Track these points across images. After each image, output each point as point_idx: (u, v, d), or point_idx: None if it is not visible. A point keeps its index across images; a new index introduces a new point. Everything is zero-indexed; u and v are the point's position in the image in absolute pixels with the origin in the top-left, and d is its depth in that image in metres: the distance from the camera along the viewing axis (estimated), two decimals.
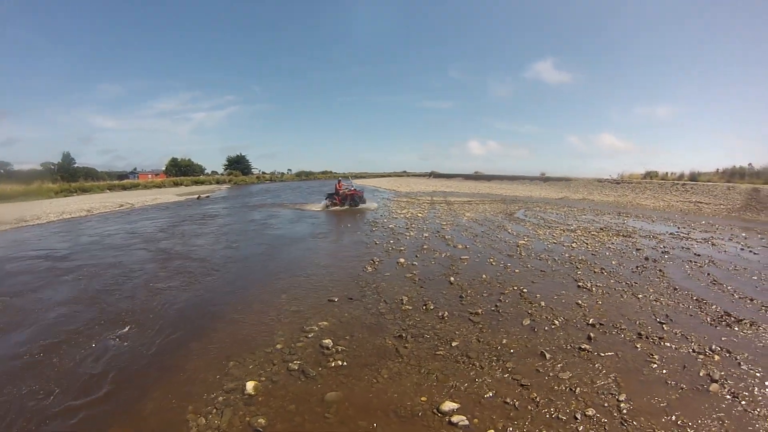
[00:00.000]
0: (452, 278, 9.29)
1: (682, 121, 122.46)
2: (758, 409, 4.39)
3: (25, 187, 36.59)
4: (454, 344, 5.94)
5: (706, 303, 7.79)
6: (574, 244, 13.46)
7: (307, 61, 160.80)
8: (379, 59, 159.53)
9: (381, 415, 4.32)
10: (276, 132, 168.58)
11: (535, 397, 4.59)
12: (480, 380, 4.98)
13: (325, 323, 6.76)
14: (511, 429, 4.05)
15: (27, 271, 10.71)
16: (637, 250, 12.71)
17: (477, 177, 79.00)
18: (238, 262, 11.41)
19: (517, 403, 4.48)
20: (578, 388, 4.78)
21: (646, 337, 6.20)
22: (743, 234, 16.52)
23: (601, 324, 6.70)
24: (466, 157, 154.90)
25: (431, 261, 11.09)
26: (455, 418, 4.18)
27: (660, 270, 10.20)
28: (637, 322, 6.82)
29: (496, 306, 7.54)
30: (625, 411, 4.34)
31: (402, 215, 21.91)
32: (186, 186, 60.63)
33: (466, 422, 4.14)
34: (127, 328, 6.73)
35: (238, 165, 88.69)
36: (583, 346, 5.83)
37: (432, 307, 7.46)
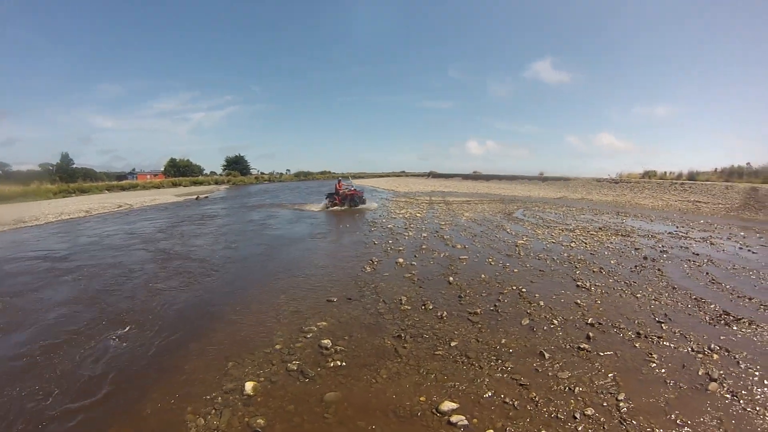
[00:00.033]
0: (451, 278, 9.29)
1: (682, 121, 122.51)
2: (757, 408, 4.39)
3: (23, 188, 36.59)
4: (453, 344, 5.94)
5: (704, 302, 7.80)
6: (572, 244, 13.46)
7: (307, 61, 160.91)
8: (378, 59, 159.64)
9: (380, 416, 4.31)
10: (274, 132, 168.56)
11: (534, 397, 4.59)
12: (479, 380, 4.98)
13: (324, 323, 6.76)
14: (510, 428, 4.05)
15: (27, 271, 10.70)
16: (636, 249, 12.72)
17: (476, 177, 78.94)
18: (237, 263, 11.40)
19: (516, 402, 4.48)
20: (577, 388, 4.78)
21: (645, 337, 6.21)
22: (742, 233, 16.53)
23: (600, 323, 6.71)
24: (465, 157, 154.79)
25: (430, 261, 11.09)
26: (454, 418, 4.18)
27: (659, 269, 10.21)
28: (636, 322, 6.82)
29: (495, 306, 7.55)
30: (624, 410, 4.34)
31: (400, 215, 21.90)
32: (185, 186, 60.65)
33: (465, 422, 4.14)
34: (126, 329, 6.73)
35: (236, 165, 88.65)
36: (582, 346, 5.84)
37: (431, 307, 7.46)
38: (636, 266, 10.52)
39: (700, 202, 28.83)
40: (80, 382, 5.08)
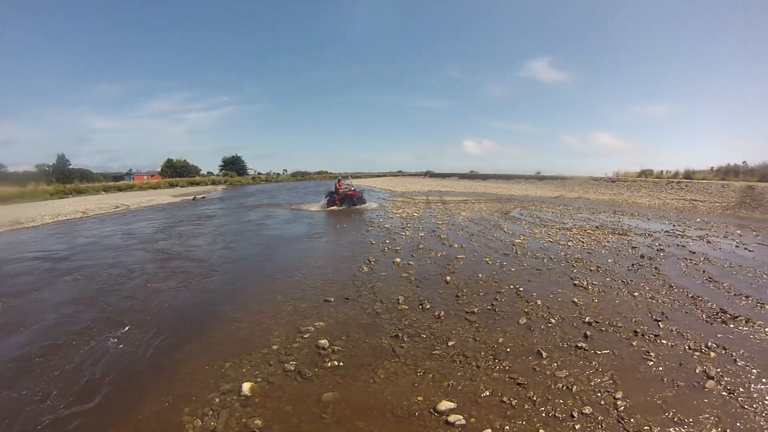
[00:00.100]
0: (448, 277, 9.29)
1: (678, 120, 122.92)
2: (754, 406, 4.40)
3: (19, 189, 36.38)
4: (450, 344, 5.93)
5: (701, 300, 7.81)
6: (570, 243, 13.49)
7: (305, 61, 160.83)
8: (375, 59, 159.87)
9: (378, 416, 4.30)
10: (271, 132, 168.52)
11: (532, 396, 4.58)
12: (477, 379, 4.97)
13: (321, 323, 6.75)
14: (508, 428, 4.05)
15: (26, 272, 10.66)
16: (633, 248, 12.75)
17: (472, 176, 79.08)
18: (235, 263, 11.38)
19: (514, 401, 4.48)
20: (575, 386, 4.78)
21: (643, 335, 6.21)
22: (738, 231, 16.59)
23: (597, 322, 6.71)
24: (462, 156, 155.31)
25: (427, 260, 11.09)
26: (452, 418, 4.17)
27: (656, 268, 10.23)
28: (633, 320, 6.83)
29: (493, 305, 7.54)
30: (621, 408, 4.34)
31: (398, 215, 21.91)
32: (181, 187, 60.48)
33: (463, 422, 4.13)
34: (125, 329, 6.71)
35: (233, 165, 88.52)
36: (579, 345, 5.84)
37: (428, 307, 7.45)
38: (633, 265, 10.54)
39: (696, 200, 28.92)
40: (78, 383, 5.05)
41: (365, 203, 27.34)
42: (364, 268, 10.30)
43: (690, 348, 5.78)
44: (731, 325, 6.62)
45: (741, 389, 4.73)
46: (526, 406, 4.40)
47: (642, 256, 11.50)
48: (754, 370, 5.17)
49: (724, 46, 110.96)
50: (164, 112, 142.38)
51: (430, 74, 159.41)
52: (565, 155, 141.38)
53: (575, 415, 4.22)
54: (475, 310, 7.27)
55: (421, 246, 12.93)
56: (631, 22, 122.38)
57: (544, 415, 4.26)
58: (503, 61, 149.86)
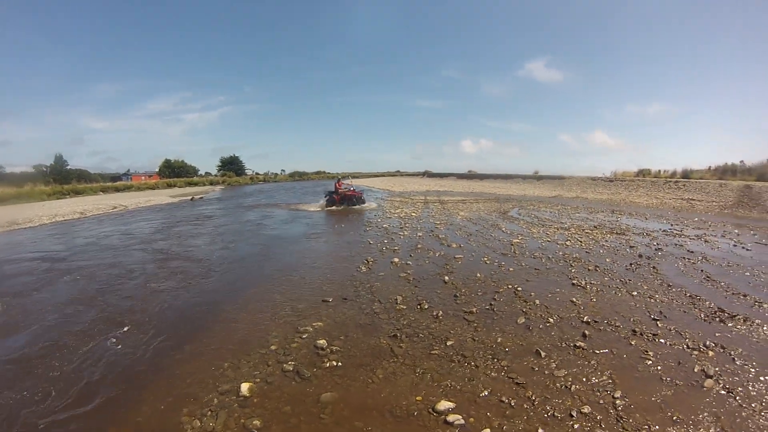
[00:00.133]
0: (446, 277, 9.29)
1: (675, 119, 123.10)
2: (753, 404, 4.40)
3: (16, 190, 36.29)
4: (449, 343, 5.93)
5: (699, 299, 7.82)
6: (568, 242, 13.49)
7: (305, 61, 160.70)
8: (376, 59, 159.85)
9: (376, 416, 4.30)
10: (270, 132, 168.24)
11: (531, 396, 4.58)
12: (475, 379, 4.97)
13: (320, 324, 6.74)
14: (507, 427, 4.04)
15: (25, 272, 10.66)
16: (631, 247, 12.76)
17: (470, 176, 79.11)
18: (233, 263, 11.37)
19: (512, 401, 4.48)
20: (573, 386, 4.78)
21: (641, 334, 6.22)
22: (736, 230, 16.62)
23: (595, 321, 6.71)
24: (460, 156, 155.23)
25: (425, 260, 11.09)
26: (451, 418, 4.16)
27: (653, 267, 10.24)
28: (632, 319, 6.84)
29: (491, 305, 7.54)
30: (620, 407, 4.34)
31: (396, 215, 21.90)
32: (179, 187, 60.34)
33: (462, 421, 4.13)
34: (125, 329, 6.71)
35: (231, 166, 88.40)
36: (578, 344, 5.84)
37: (426, 307, 7.45)
38: (631, 264, 10.55)
39: (694, 200, 28.97)
40: (78, 384, 5.04)
41: (365, 203, 27.23)
42: (363, 268, 10.29)
43: (688, 347, 5.79)
44: (729, 324, 6.63)
45: (739, 388, 4.74)
46: (525, 406, 4.40)
47: (640, 256, 11.51)
48: (753, 369, 5.18)
49: (722, 45, 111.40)
50: (162, 112, 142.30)
51: (429, 74, 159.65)
52: (563, 155, 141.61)
53: (574, 414, 4.22)
54: (474, 309, 7.27)
55: (419, 246, 12.92)
56: (629, 21, 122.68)
57: (542, 414, 4.26)
58: (501, 60, 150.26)
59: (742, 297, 8.00)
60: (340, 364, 5.40)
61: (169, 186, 60.56)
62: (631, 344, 5.89)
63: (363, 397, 4.66)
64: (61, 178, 51.37)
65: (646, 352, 5.64)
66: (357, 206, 26.17)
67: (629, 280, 9.05)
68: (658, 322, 6.69)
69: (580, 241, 13.66)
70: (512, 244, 13.10)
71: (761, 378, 4.97)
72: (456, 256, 11.41)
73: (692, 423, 4.09)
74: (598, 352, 5.65)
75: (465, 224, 18.00)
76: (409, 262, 10.88)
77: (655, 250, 12.35)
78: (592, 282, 8.89)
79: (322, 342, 5.96)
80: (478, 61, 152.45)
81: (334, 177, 55.96)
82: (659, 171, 47.66)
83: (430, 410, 4.34)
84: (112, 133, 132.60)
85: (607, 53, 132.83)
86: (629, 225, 17.93)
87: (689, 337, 6.13)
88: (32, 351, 5.98)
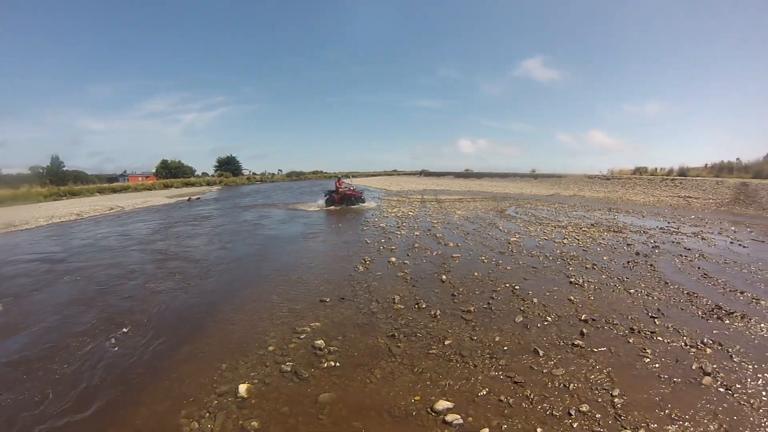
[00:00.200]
0: (444, 276, 9.28)
1: (672, 118, 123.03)
2: (751, 401, 4.41)
3: (13, 192, 36.22)
4: (446, 343, 5.93)
5: (697, 297, 7.84)
6: (565, 241, 13.50)
7: (305, 61, 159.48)
8: (375, 59, 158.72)
9: (375, 416, 4.29)
10: (269, 132, 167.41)
11: (529, 394, 4.58)
12: (473, 378, 4.96)
13: (317, 324, 6.72)
14: (505, 427, 4.04)
15: (23, 274, 10.66)
16: (628, 245, 12.78)
17: (468, 175, 79.20)
18: (231, 263, 11.35)
19: (511, 400, 4.47)
20: (572, 384, 4.77)
21: (639, 332, 6.22)
22: (732, 228, 16.67)
23: (593, 319, 6.71)
24: (457, 155, 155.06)
25: (423, 259, 11.08)
26: (449, 417, 4.16)
27: (651, 265, 10.26)
28: (629, 317, 6.84)
29: (489, 303, 7.54)
30: (619, 405, 4.34)
31: (393, 214, 21.89)
32: (176, 188, 60.29)
33: (461, 421, 4.12)
34: (124, 330, 6.70)
35: (228, 166, 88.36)
36: (576, 342, 5.84)
37: (424, 306, 7.44)
38: (628, 262, 10.56)
39: (690, 197, 29.05)
40: (77, 386, 5.02)
41: (365, 203, 27.11)
42: (360, 267, 10.28)
43: (686, 344, 5.80)
44: (727, 321, 6.64)
45: (737, 385, 4.74)
46: (524, 405, 4.40)
47: (637, 254, 11.53)
48: (750, 366, 5.18)
49: (720, 45, 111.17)
50: (160, 112, 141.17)
51: (428, 74, 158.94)
52: (561, 154, 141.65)
53: (572, 413, 4.22)
54: (472, 308, 7.26)
55: (416, 245, 12.91)
56: (627, 21, 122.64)
57: (541, 413, 4.26)
58: (497, 60, 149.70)
59: (739, 294, 8.01)
60: (338, 364, 5.39)
61: (166, 187, 60.53)
62: (629, 342, 5.89)
63: (361, 397, 4.65)
64: (58, 180, 51.30)
65: (644, 349, 5.64)
66: (356, 206, 26.09)
67: (627, 278, 9.06)
68: (655, 320, 6.70)
69: (578, 239, 13.68)
70: (510, 243, 13.10)
71: (759, 375, 4.97)
72: (453, 255, 11.41)
73: (691, 420, 4.09)
74: (596, 350, 5.65)
75: (462, 223, 18.00)
76: (406, 261, 10.87)
77: (653, 247, 12.37)
78: (590, 280, 8.90)
79: (319, 342, 5.95)
80: (477, 61, 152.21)
81: (331, 177, 55.96)
82: (656, 169, 47.84)
83: (429, 410, 4.33)
84: (110, 133, 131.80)
85: (606, 52, 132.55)
86: (626, 223, 17.97)
87: (687, 334, 6.14)
88: (32, 353, 5.97)
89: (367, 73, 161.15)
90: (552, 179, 52.96)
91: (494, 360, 5.40)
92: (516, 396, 4.56)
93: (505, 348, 5.75)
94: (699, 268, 9.95)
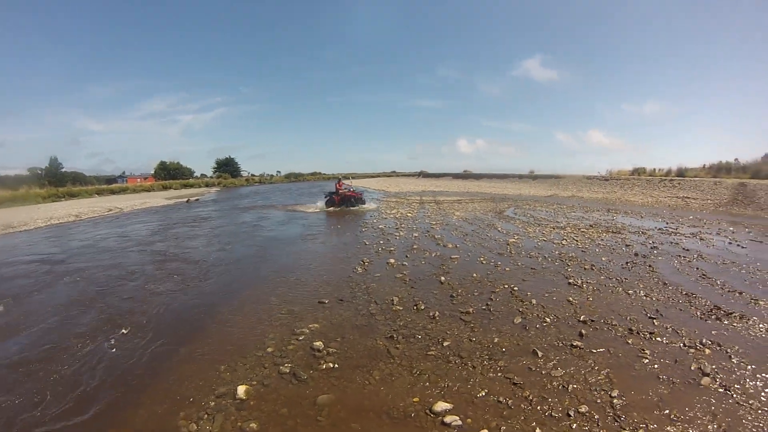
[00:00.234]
0: (443, 278, 9.28)
1: (671, 118, 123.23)
2: (750, 402, 4.40)
3: (11, 193, 36.18)
4: (445, 344, 5.92)
5: (695, 297, 7.84)
6: (564, 242, 13.51)
7: (305, 61, 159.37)
8: (375, 59, 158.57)
9: (373, 417, 4.28)
10: (269, 132, 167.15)
11: (528, 396, 4.57)
12: (472, 380, 4.96)
13: (316, 325, 6.72)
14: (504, 428, 4.03)
15: (23, 275, 10.68)
16: (627, 246, 12.78)
17: (466, 176, 79.21)
18: (230, 265, 11.35)
19: (510, 401, 4.47)
20: (571, 385, 4.77)
21: (637, 333, 6.22)
22: (731, 228, 16.68)
23: (592, 320, 6.71)
24: (456, 156, 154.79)
25: (421, 261, 11.08)
26: (448, 419, 4.15)
27: (649, 265, 10.26)
28: (628, 318, 6.84)
29: (487, 305, 7.54)
30: (618, 406, 4.34)
31: (391, 215, 21.89)
32: (175, 189, 60.28)
33: (459, 422, 4.12)
34: (123, 332, 6.70)
35: (227, 167, 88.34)
36: (574, 343, 5.84)
37: (423, 307, 7.44)
38: (627, 263, 10.56)
39: (689, 198, 29.08)
40: (76, 388, 5.01)
41: (365, 204, 27.02)
42: (359, 269, 10.28)
43: (685, 345, 5.80)
44: (725, 322, 6.64)
45: (736, 386, 4.74)
46: (523, 406, 4.39)
47: (636, 254, 11.54)
48: (749, 366, 5.18)
49: (720, 45, 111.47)
50: (159, 113, 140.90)
51: (428, 74, 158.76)
52: (560, 154, 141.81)
53: (571, 414, 4.22)
54: (470, 310, 7.26)
55: (415, 246, 12.91)
56: (627, 21, 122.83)
57: (540, 414, 4.25)
58: (500, 60, 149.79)
59: (737, 294, 8.01)
60: (336, 365, 5.38)
61: (165, 188, 60.54)
62: (628, 343, 5.89)
63: (360, 398, 4.64)
64: (56, 181, 51.28)
65: (643, 350, 5.64)
66: (356, 207, 26.03)
67: (625, 279, 9.07)
68: (654, 321, 6.70)
69: (576, 240, 13.68)
70: (508, 244, 13.11)
71: (758, 375, 4.97)
72: (452, 257, 11.41)
73: (690, 421, 4.09)
74: (595, 351, 5.65)
75: (461, 224, 18.00)
76: (405, 262, 10.87)
77: (651, 248, 12.38)
78: (589, 281, 8.90)
79: (318, 344, 5.94)
80: (477, 61, 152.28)
81: (329, 178, 55.92)
82: (654, 170, 47.93)
83: (427, 411, 4.32)
84: (109, 134, 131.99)
85: (606, 52, 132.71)
86: (625, 223, 17.98)
87: (686, 335, 6.14)
88: (32, 354, 5.97)
89: (366, 73, 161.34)
90: (550, 180, 53.02)
91: (493, 361, 5.40)
92: (515, 397, 4.56)
93: (504, 349, 5.75)
94: (697, 268, 9.96)
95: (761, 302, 7.54)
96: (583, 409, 4.29)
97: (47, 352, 5.99)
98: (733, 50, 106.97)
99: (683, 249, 12.26)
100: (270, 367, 5.38)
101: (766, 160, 38.87)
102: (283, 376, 5.14)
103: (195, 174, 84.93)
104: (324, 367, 5.35)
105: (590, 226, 17.20)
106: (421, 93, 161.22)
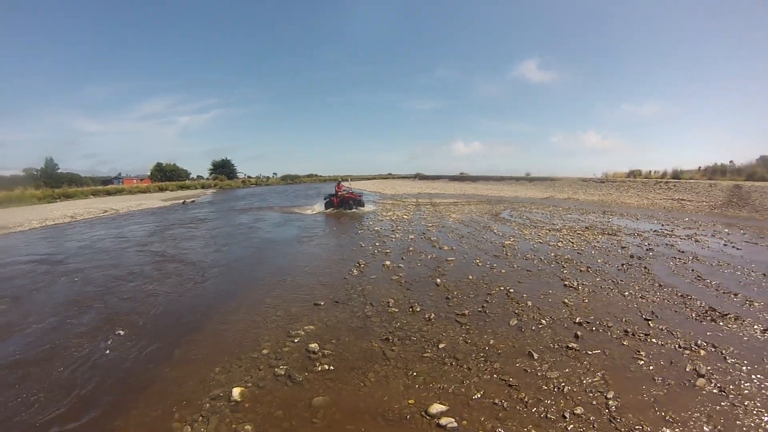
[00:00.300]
0: (438, 280, 9.27)
1: (673, 119, 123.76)
2: (745, 403, 4.41)
3: (6, 194, 35.99)
4: (441, 346, 5.91)
5: (691, 299, 7.86)
6: (559, 244, 13.53)
7: (302, 61, 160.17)
8: (375, 59, 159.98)
9: (369, 419, 4.27)
10: (268, 132, 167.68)
11: (524, 397, 4.57)
12: (468, 381, 4.95)
13: (312, 327, 6.70)
14: (500, 430, 4.02)
15: (20, 275, 10.70)
16: (622, 248, 12.81)
17: (462, 178, 79.36)
18: (226, 266, 11.32)
19: (505, 403, 4.46)
20: (566, 387, 4.77)
21: (633, 334, 6.23)
22: (726, 230, 16.74)
23: (587, 322, 6.72)
24: (452, 157, 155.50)
25: (417, 263, 11.07)
26: (444, 420, 4.14)
27: (645, 267, 10.28)
28: (624, 320, 6.85)
29: (483, 307, 7.53)
30: (613, 408, 4.34)
31: (387, 217, 21.87)
32: (171, 191, 60.10)
33: (455, 424, 4.11)
34: (120, 333, 6.70)
35: (223, 169, 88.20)
36: (570, 345, 5.84)
37: (418, 309, 7.43)
38: (623, 265, 10.58)
39: (684, 200, 29.18)
40: (73, 390, 4.98)
41: (363, 206, 26.89)
42: (354, 271, 10.26)
43: (680, 346, 5.80)
44: (720, 323, 6.65)
45: (731, 387, 4.75)
46: (518, 408, 4.39)
47: (631, 256, 11.56)
48: (744, 368, 5.20)
49: (720, 45, 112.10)
50: (157, 113, 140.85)
51: (426, 74, 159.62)
52: (557, 154, 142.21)
53: (567, 415, 4.21)
54: (466, 312, 7.25)
55: (411, 248, 12.90)
56: (626, 21, 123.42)
57: (535, 416, 4.25)
58: (499, 60, 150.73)
59: (732, 296, 8.04)
60: (332, 367, 5.37)
61: (161, 189, 60.36)
62: (623, 344, 5.90)
63: (355, 400, 4.63)
64: (52, 182, 51.08)
65: (639, 352, 5.65)
66: (353, 209, 25.91)
67: (621, 281, 9.08)
68: (650, 322, 6.71)
69: (572, 242, 13.70)
70: (504, 246, 13.12)
71: (753, 376, 4.99)
72: (448, 259, 11.40)
73: (685, 422, 4.09)
74: (590, 353, 5.65)
75: (457, 226, 18.00)
76: (401, 264, 10.86)
77: (647, 250, 12.41)
78: (584, 283, 8.91)
79: (314, 346, 5.92)
80: (476, 61, 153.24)
81: (325, 180, 55.85)
82: (650, 172, 48.11)
83: (423, 413, 4.31)
84: (106, 134, 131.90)
85: (605, 52, 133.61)
86: (620, 226, 18.02)
87: (681, 336, 6.15)
88: (29, 355, 5.97)
89: (366, 73, 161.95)
90: (547, 182, 53.15)
91: (488, 363, 5.39)
92: (510, 399, 4.55)
93: (500, 351, 5.75)
94: (693, 270, 9.98)
95: (756, 303, 7.56)
96: (579, 410, 4.29)
97: (44, 353, 5.98)
98: (733, 50, 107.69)
99: (678, 251, 12.30)
100: (265, 368, 5.36)
101: (760, 162, 39.09)
102: (278, 378, 5.12)
103: (191, 175, 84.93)
104: (319, 369, 5.33)
105: (586, 228, 17.24)
106: (420, 93, 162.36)
